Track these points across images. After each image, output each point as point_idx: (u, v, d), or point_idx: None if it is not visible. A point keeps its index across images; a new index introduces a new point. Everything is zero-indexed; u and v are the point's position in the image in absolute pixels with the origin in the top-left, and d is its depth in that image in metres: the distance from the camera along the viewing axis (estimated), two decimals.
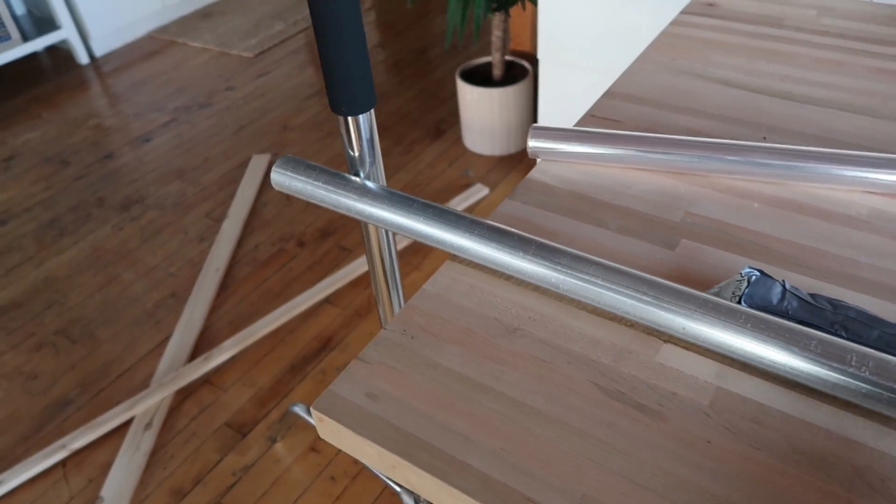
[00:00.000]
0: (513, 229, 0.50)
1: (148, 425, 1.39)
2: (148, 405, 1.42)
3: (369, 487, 1.26)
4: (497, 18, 1.96)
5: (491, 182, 2.03)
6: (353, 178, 0.57)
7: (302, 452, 1.33)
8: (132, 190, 2.10)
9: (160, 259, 1.83)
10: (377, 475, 1.19)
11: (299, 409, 1.20)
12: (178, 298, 1.70)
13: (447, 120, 2.33)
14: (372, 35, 2.96)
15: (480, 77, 2.10)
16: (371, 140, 0.57)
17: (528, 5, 2.07)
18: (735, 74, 0.74)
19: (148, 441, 1.36)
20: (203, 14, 3.27)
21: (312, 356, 1.53)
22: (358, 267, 1.73)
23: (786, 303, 0.47)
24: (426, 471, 0.39)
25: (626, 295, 0.45)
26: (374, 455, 0.42)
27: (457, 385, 0.44)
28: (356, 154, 0.57)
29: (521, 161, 2.11)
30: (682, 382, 0.43)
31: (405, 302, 0.52)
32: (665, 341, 0.46)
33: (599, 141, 0.61)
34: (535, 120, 2.27)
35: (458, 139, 2.22)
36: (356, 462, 1.30)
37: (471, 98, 2.06)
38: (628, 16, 1.50)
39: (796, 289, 0.48)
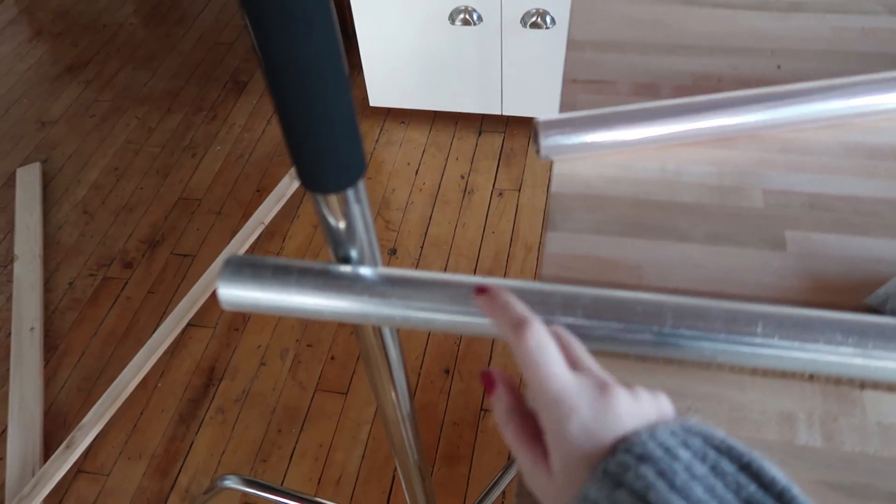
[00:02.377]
0: (629, 294, 0.36)
1: None
2: None
3: None
4: None
5: None
6: (345, 268, 0.39)
7: None
8: None
9: None
10: None
11: (234, 483, 0.99)
12: None
13: (244, 70, 2.01)
14: None
15: None
16: (363, 211, 0.38)
17: None
18: None
19: None
20: None
21: (200, 396, 1.29)
22: (212, 273, 1.47)
23: None
24: None
25: (816, 351, 0.35)
26: None
27: None
28: (343, 228, 0.38)
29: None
30: None
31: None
32: (861, 388, 0.37)
33: (628, 122, 0.47)
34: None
35: (264, 90, 1.94)
36: None
37: None
38: None
39: None
